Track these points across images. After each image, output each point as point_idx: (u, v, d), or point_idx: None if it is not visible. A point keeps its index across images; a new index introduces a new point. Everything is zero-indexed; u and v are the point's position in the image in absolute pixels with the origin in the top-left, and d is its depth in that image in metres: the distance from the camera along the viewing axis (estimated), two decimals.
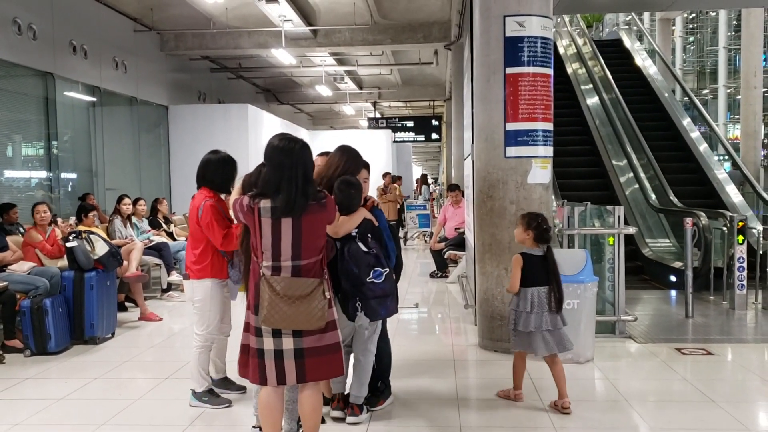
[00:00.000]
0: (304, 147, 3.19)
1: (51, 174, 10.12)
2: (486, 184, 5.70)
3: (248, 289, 3.28)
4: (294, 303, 3.02)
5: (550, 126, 5.70)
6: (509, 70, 5.57)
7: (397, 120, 23.15)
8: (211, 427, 4.13)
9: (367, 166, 4.38)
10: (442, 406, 4.38)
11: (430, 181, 26.95)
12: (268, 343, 3.11)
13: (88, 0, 10.87)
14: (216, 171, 4.40)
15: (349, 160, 4.02)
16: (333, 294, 3.36)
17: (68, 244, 6.16)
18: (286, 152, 3.12)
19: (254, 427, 3.78)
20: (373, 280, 3.74)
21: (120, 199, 8.53)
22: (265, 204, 3.09)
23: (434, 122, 22.95)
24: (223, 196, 4.48)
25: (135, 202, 9.12)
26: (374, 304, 3.81)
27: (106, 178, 11.39)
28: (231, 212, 4.39)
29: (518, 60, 5.56)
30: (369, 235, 3.84)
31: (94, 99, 11.23)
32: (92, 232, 6.50)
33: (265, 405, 3.23)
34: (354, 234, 3.80)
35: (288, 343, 3.10)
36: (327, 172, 3.98)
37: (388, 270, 3.82)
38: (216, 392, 4.48)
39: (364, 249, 3.77)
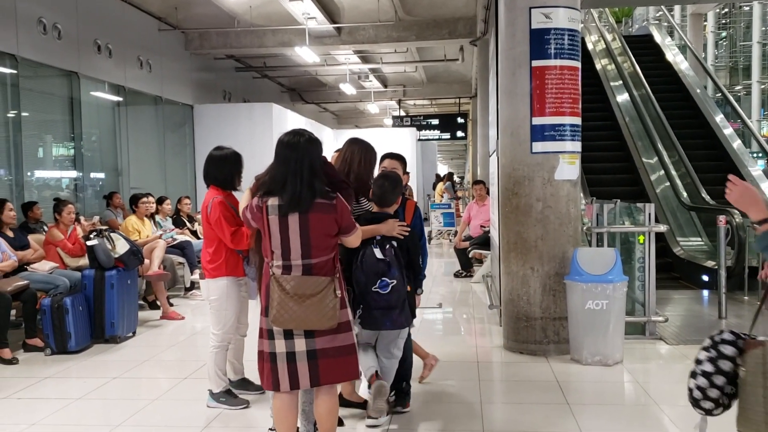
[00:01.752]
0: (311, 141, 3.08)
1: (77, 173, 10.15)
2: (511, 181, 5.55)
3: (260, 292, 3.17)
4: (304, 302, 2.91)
5: (578, 120, 5.53)
6: (535, 63, 5.41)
7: (422, 118, 22.99)
8: (228, 428, 4.04)
9: (402, 159, 4.30)
10: (464, 409, 4.25)
11: (456, 179, 26.75)
12: (280, 346, 3.01)
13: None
14: (219, 167, 4.33)
15: (366, 150, 3.92)
16: (347, 293, 3.23)
17: (89, 243, 6.13)
18: (291, 146, 3.03)
19: (270, 429, 3.69)
20: (378, 290, 3.60)
21: (137, 198, 8.50)
22: (273, 202, 3.00)
23: (460, 120, 22.75)
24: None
25: (161, 201, 9.14)
26: (377, 315, 3.69)
27: (132, 177, 11.40)
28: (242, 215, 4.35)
29: (545, 53, 5.39)
30: (391, 243, 3.70)
31: (119, 98, 11.25)
32: (113, 230, 6.47)
33: (278, 410, 3.14)
34: (378, 237, 3.67)
35: (300, 345, 2.99)
36: (351, 167, 3.86)
37: (395, 282, 3.63)
38: (234, 393, 4.40)
39: (379, 256, 3.61)
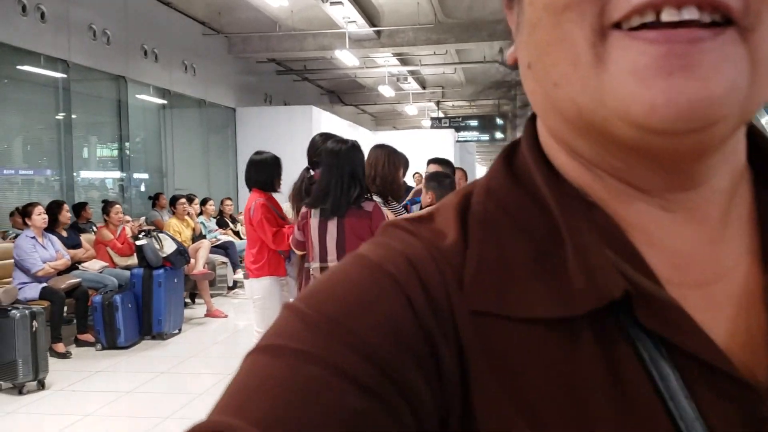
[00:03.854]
0: (352, 148, 3.26)
1: (124, 174, 10.46)
2: None
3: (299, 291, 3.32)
4: None
5: None
6: None
7: (460, 119, 22.97)
8: None
9: (445, 163, 4.39)
10: None
11: None
12: None
13: (158, 5, 11.18)
14: (259, 171, 4.48)
15: (390, 154, 4.02)
16: None
17: (138, 243, 6.36)
18: (333, 154, 3.19)
19: None
20: None
21: (176, 200, 8.73)
22: (317, 206, 3.18)
23: (499, 121, 22.68)
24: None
25: (204, 202, 9.41)
26: None
27: (176, 178, 11.69)
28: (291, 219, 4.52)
29: None
30: None
31: (165, 101, 11.55)
32: (161, 231, 6.70)
33: None
34: None
35: None
36: (376, 171, 3.96)
37: None
38: None
39: None
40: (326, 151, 3.25)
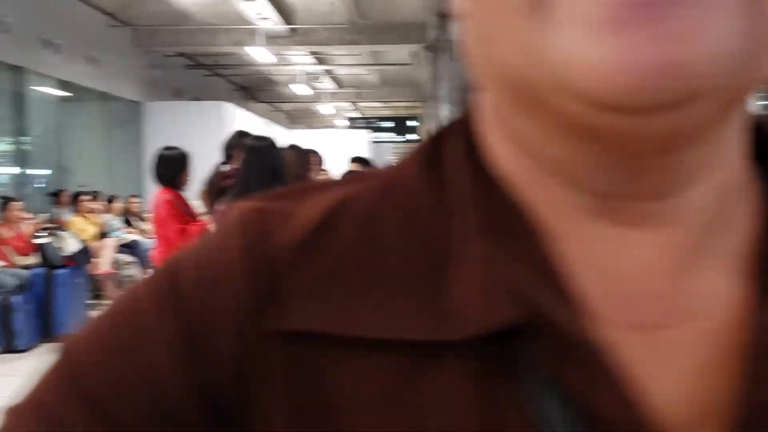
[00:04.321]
0: (272, 145, 3.31)
1: (21, 170, 9.97)
2: None
3: None
4: None
5: None
6: None
7: (376, 120, 23.16)
8: None
9: (363, 161, 4.45)
10: None
11: None
12: None
13: None
14: (166, 166, 4.41)
15: (302, 153, 4.10)
16: None
17: (38, 241, 6.08)
18: (254, 150, 3.20)
19: None
20: None
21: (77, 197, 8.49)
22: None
23: (412, 123, 23.01)
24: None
25: (111, 200, 9.13)
26: None
27: (78, 174, 11.23)
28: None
29: None
30: None
31: (66, 94, 11.08)
32: (63, 229, 6.43)
33: None
34: None
35: None
36: (290, 170, 4.01)
37: None
38: None
39: None
40: (247, 148, 3.23)
